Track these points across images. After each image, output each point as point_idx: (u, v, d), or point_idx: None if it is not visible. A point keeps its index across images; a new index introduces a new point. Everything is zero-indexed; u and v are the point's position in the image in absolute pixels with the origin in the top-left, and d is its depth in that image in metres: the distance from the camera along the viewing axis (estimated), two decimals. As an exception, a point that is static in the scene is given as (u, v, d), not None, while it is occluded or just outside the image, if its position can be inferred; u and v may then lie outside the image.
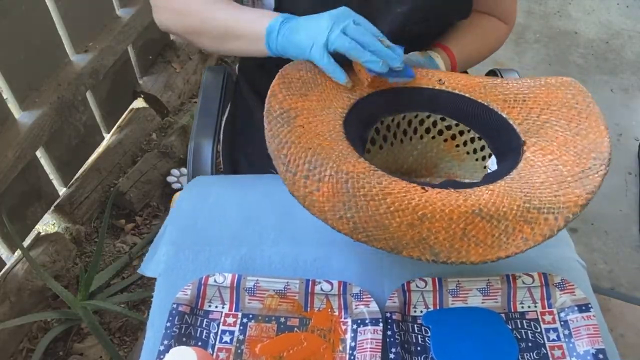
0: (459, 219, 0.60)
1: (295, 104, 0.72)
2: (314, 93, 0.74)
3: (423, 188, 0.63)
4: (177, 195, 0.89)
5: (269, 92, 0.72)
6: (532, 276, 0.72)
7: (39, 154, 1.40)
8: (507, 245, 0.59)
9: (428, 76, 0.79)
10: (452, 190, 0.63)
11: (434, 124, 0.81)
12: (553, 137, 0.68)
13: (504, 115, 0.73)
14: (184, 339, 0.67)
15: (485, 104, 0.74)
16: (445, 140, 0.81)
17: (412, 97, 0.77)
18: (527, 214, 0.60)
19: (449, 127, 0.80)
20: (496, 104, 0.74)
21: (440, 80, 0.78)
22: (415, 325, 0.70)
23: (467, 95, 0.76)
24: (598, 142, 0.64)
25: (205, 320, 0.70)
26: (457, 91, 0.76)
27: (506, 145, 0.71)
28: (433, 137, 0.82)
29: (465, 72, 1.02)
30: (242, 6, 0.84)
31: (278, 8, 0.82)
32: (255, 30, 0.78)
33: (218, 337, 0.68)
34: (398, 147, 0.83)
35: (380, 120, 0.78)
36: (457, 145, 0.81)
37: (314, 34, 0.73)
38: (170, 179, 1.69)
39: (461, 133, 0.80)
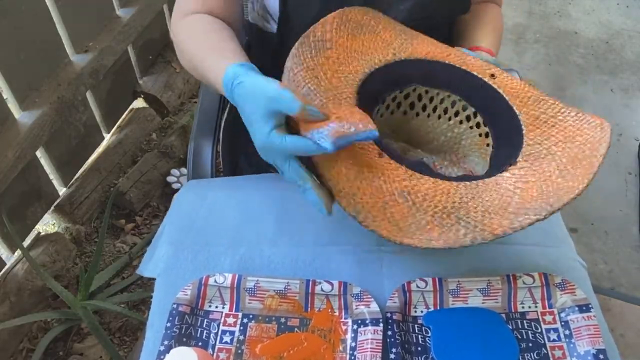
0: (385, 192, 0.63)
1: (337, 39, 0.73)
2: (362, 37, 0.75)
3: (380, 154, 0.66)
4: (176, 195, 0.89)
5: (320, 20, 0.73)
6: (532, 276, 0.72)
7: (39, 154, 1.40)
8: (412, 235, 0.60)
9: (483, 67, 0.77)
10: (406, 167, 0.65)
11: (475, 114, 0.79)
12: (542, 170, 0.67)
13: (523, 131, 0.71)
14: (184, 339, 0.66)
15: (517, 113, 0.72)
16: (480, 135, 0.80)
17: (462, 79, 0.76)
18: (445, 218, 0.61)
19: (486, 124, 0.79)
20: (526, 117, 0.72)
21: (493, 75, 0.76)
22: (415, 326, 0.70)
23: (507, 98, 0.74)
24: (568, 191, 0.62)
25: (205, 320, 0.69)
26: (501, 90, 0.74)
27: (501, 158, 0.70)
28: (471, 127, 0.80)
29: None
30: (217, 43, 0.76)
31: (283, 12, 0.81)
32: (217, 82, 0.70)
33: (218, 338, 0.68)
34: (435, 122, 0.82)
35: (407, 86, 0.77)
36: (488, 145, 0.80)
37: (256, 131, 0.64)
38: (170, 179, 1.69)
39: None
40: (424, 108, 0.82)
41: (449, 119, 0.81)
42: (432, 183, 0.65)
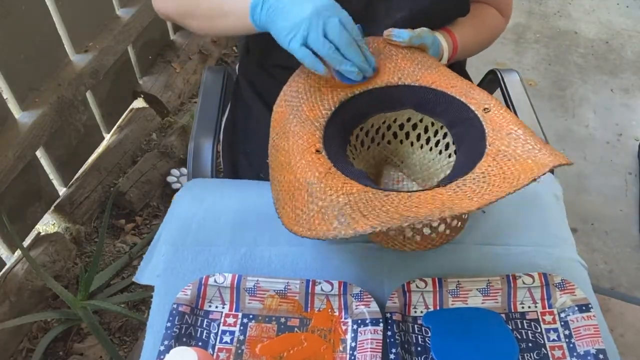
0: (295, 180, 0.66)
1: None
2: (376, 60, 0.79)
3: (317, 151, 0.69)
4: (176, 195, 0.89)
5: None
6: (532, 276, 0.72)
7: (39, 154, 1.40)
8: (301, 224, 0.62)
9: (483, 100, 0.74)
10: (333, 164, 0.67)
11: (450, 144, 0.79)
12: (460, 191, 0.63)
13: (479, 162, 0.67)
14: (185, 339, 0.67)
15: (487, 145, 0.69)
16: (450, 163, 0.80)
17: (454, 109, 0.75)
18: (329, 213, 0.61)
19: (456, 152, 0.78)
20: (491, 149, 0.68)
21: (487, 109, 0.73)
22: (415, 326, 0.70)
23: (487, 131, 0.70)
24: (463, 207, 0.59)
25: (205, 320, 0.70)
26: (485, 123, 0.71)
27: (445, 180, 0.67)
28: (449, 156, 0.80)
29: (464, 68, 1.03)
30: None
31: None
32: (240, 5, 0.76)
33: (218, 337, 0.68)
34: (412, 148, 0.83)
35: (397, 108, 0.79)
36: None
37: (292, 26, 0.71)
38: (170, 179, 1.69)
39: None
40: (407, 135, 0.83)
41: (449, 156, 0.80)
42: (342, 182, 0.64)
